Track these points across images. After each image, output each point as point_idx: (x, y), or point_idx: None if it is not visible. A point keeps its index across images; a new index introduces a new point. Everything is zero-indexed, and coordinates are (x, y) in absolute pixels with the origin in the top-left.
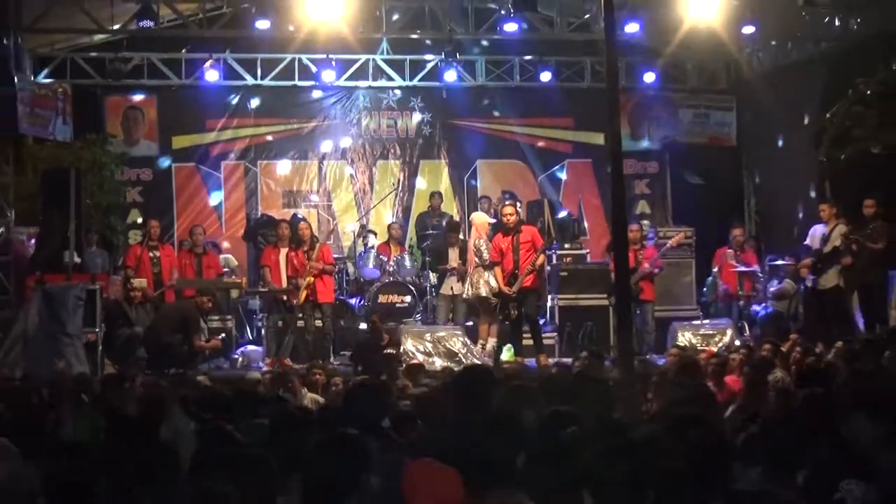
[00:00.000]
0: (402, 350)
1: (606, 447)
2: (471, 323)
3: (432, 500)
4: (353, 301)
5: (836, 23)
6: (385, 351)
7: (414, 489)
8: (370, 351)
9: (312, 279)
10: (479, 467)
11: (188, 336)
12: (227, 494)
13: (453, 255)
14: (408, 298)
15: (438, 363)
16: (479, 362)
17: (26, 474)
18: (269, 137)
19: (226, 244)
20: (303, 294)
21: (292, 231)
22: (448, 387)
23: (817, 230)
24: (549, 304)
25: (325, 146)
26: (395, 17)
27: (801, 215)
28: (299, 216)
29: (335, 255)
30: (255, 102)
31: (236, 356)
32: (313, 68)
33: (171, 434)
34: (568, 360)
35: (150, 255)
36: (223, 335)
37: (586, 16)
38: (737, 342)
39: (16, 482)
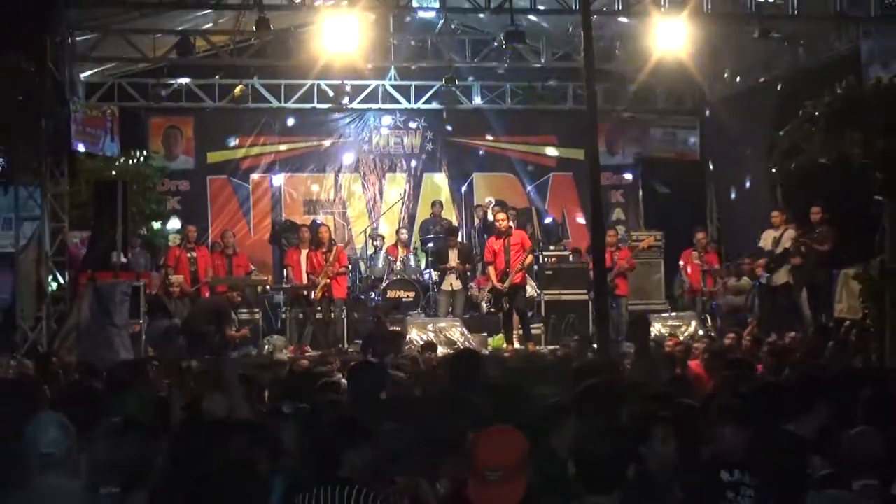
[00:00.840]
0: (407, 338)
1: (596, 425)
2: (468, 315)
3: (496, 456)
4: (364, 296)
5: (787, 53)
6: (391, 330)
7: (480, 449)
8: (377, 340)
9: (328, 280)
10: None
11: (221, 326)
12: (252, 462)
13: (452, 256)
14: (413, 294)
15: (440, 350)
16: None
17: (154, 452)
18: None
19: None
20: (319, 292)
21: (312, 234)
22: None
23: (769, 234)
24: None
25: (341, 160)
26: (402, 48)
27: (755, 220)
28: (318, 222)
29: (349, 256)
30: (279, 123)
31: (263, 344)
32: (330, 93)
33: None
34: (553, 347)
35: (188, 255)
36: (251, 325)
37: (569, 47)
38: (700, 332)
39: (145, 461)
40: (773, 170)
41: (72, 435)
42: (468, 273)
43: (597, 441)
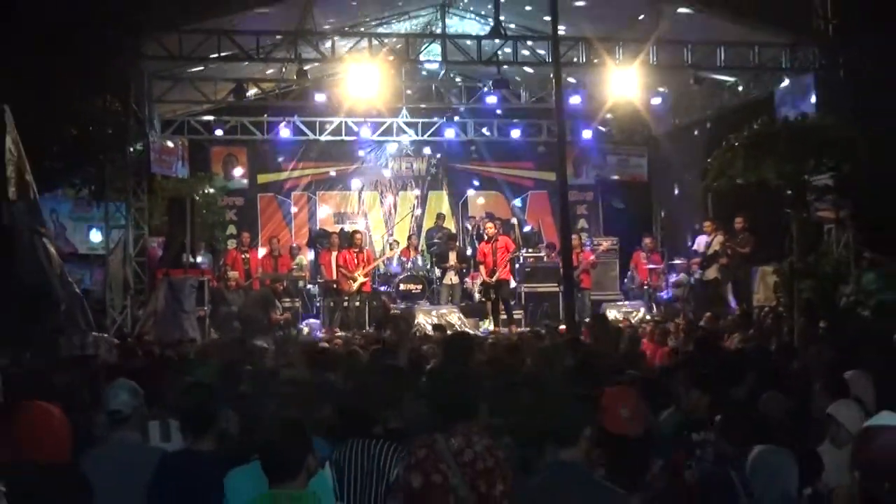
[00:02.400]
0: (415, 322)
1: (554, 392)
2: (464, 304)
3: (622, 406)
4: (382, 288)
5: (716, 96)
6: (391, 313)
7: (611, 398)
8: (386, 321)
9: (365, 279)
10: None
11: (268, 312)
12: (298, 422)
13: (452, 257)
14: (420, 286)
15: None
16: (469, 332)
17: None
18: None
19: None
20: (358, 286)
21: (343, 238)
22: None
23: (702, 239)
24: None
25: (363, 181)
26: (411, 92)
27: (691, 229)
28: (347, 230)
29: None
30: (315, 151)
31: (302, 326)
32: (355, 128)
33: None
34: (529, 329)
35: (242, 256)
36: (292, 311)
37: (543, 92)
38: (647, 317)
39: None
40: (707, 190)
41: (140, 398)
42: (464, 270)
43: (555, 406)
